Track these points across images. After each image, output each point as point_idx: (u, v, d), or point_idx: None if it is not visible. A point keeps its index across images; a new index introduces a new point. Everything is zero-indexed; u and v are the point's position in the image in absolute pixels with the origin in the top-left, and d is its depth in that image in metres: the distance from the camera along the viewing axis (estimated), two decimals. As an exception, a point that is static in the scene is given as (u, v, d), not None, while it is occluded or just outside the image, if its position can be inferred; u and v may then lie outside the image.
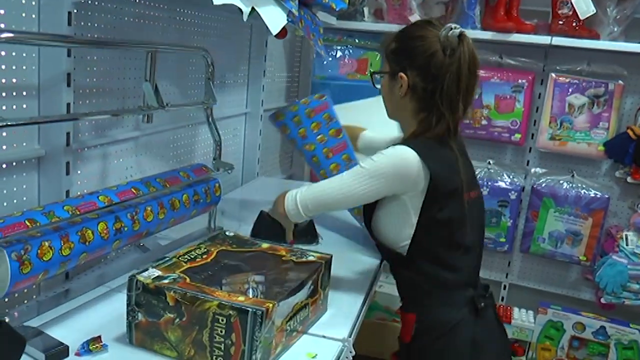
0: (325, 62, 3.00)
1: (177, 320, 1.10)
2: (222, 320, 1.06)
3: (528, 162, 3.01)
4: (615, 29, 2.64)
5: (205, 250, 1.31)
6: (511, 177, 2.96)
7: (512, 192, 2.93)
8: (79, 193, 1.52)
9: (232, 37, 2.38)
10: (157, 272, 1.16)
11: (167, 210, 1.43)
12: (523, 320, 2.95)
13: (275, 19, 1.39)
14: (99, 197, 1.26)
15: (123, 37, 1.65)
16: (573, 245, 2.88)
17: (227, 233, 1.44)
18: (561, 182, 2.89)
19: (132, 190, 1.35)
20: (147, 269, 1.17)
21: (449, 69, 1.36)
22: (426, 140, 1.40)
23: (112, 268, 1.53)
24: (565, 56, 2.81)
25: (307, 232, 1.73)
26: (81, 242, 1.17)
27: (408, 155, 1.36)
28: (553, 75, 2.81)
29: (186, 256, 1.26)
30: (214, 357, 1.09)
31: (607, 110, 2.76)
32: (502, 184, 2.93)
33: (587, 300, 3.04)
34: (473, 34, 2.60)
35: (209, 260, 1.27)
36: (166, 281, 1.13)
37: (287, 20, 1.42)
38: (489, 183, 2.93)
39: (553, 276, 3.12)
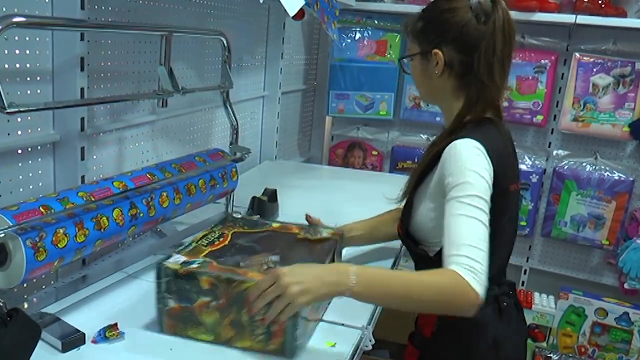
0: (344, 44, 2.98)
1: (213, 303, 1.10)
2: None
3: (550, 144, 2.96)
4: (643, 6, 2.57)
5: (220, 233, 1.31)
6: (532, 159, 2.93)
7: (534, 174, 2.90)
8: (95, 179, 1.51)
9: (249, 19, 2.36)
10: (182, 258, 1.15)
11: (183, 195, 1.42)
12: (544, 306, 2.92)
13: (292, 0, 1.36)
14: (114, 183, 1.25)
15: (138, 20, 1.63)
16: (595, 229, 2.84)
17: (234, 215, 1.47)
18: (584, 164, 2.86)
19: (148, 175, 1.34)
20: (170, 256, 1.16)
21: (485, 36, 1.28)
22: (479, 128, 1.28)
23: (129, 254, 1.52)
24: (590, 35, 2.75)
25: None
26: (96, 229, 1.16)
27: (477, 146, 1.20)
28: (577, 54, 2.75)
29: (204, 240, 1.26)
30: (255, 336, 1.10)
31: (633, 90, 2.69)
32: (523, 167, 2.88)
33: (609, 286, 3.00)
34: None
35: (226, 243, 1.27)
36: (195, 266, 1.12)
37: (304, 1, 1.39)
38: (510, 166, 2.86)
39: (575, 261, 3.08)
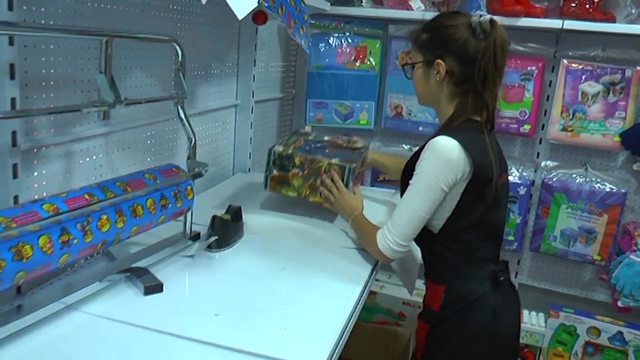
0: (322, 50, 2.89)
1: (300, 173, 1.88)
2: (330, 172, 1.85)
3: (538, 154, 2.89)
4: (633, 11, 2.49)
5: (296, 138, 2.08)
6: (520, 170, 2.85)
7: (521, 187, 2.82)
8: (36, 197, 1.40)
9: (219, 23, 2.25)
10: (281, 147, 1.91)
11: (127, 217, 1.28)
12: (533, 324, 2.82)
13: (241, 1, 1.23)
14: (43, 206, 1.11)
15: (88, 24, 1.50)
16: (587, 243, 2.74)
17: (300, 130, 2.29)
18: (574, 176, 2.76)
19: (85, 196, 1.20)
20: (274, 145, 1.93)
21: (483, 50, 1.49)
22: (464, 126, 1.54)
23: (76, 278, 1.40)
24: (578, 41, 2.67)
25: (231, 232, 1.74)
26: (16, 260, 1.02)
27: (449, 146, 1.47)
28: (565, 61, 2.66)
29: (289, 140, 2.04)
30: (321, 194, 1.86)
31: (623, 98, 2.60)
32: (510, 179, 2.76)
33: (602, 302, 2.90)
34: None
35: (301, 144, 2.01)
36: (291, 151, 1.90)
37: (257, 3, 1.26)
38: (497, 178, 2.75)
39: (565, 277, 2.98)
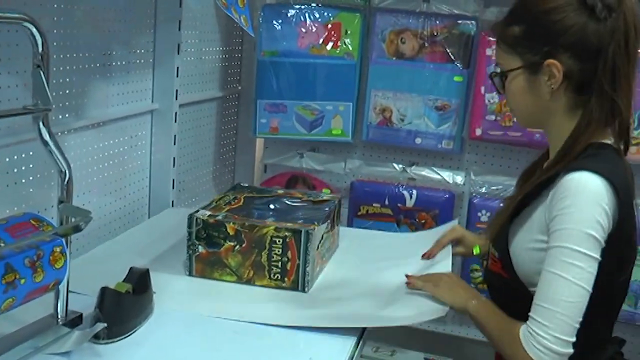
0: (277, 29, 2.87)
1: (237, 247, 1.79)
2: (279, 241, 1.77)
3: None
4: None
5: (233, 197, 2.03)
6: None
7: None
8: None
9: None
10: (208, 212, 1.85)
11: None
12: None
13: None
14: None
15: None
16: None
17: (242, 184, 2.25)
18: None
19: None
20: (198, 210, 1.85)
21: (612, 36, 1.43)
22: (601, 156, 1.48)
23: None
24: None
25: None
26: None
27: (601, 184, 1.40)
28: None
29: (221, 201, 1.97)
30: (272, 274, 1.79)
31: None
32: None
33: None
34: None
35: (241, 204, 1.97)
36: (221, 217, 1.82)
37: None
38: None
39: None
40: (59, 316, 1.49)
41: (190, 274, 1.84)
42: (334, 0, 2.87)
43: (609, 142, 1.51)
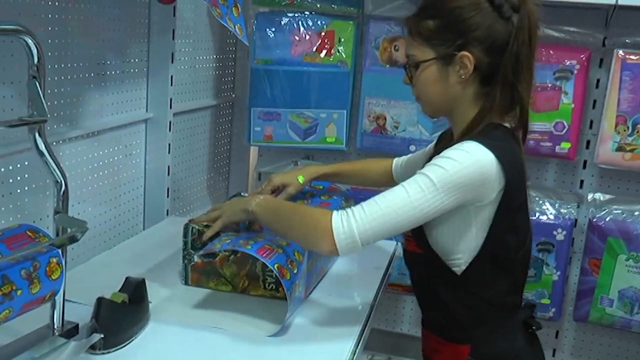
0: (271, 37, 2.88)
1: (232, 257, 1.80)
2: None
3: (582, 183, 2.85)
4: None
5: None
6: (557, 207, 2.80)
7: (559, 229, 2.77)
8: None
9: (116, 2, 2.22)
10: (204, 222, 1.83)
11: None
12: None
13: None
14: None
15: None
16: (658, 309, 2.74)
17: (242, 194, 2.21)
18: (636, 213, 2.71)
19: None
20: (192, 219, 1.87)
21: (518, 33, 1.54)
22: (496, 134, 1.58)
23: None
24: (638, 23, 2.65)
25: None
26: None
27: (486, 158, 1.50)
28: (619, 52, 2.62)
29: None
30: (267, 284, 1.81)
31: None
32: (542, 218, 2.78)
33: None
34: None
35: None
36: None
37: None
38: (524, 216, 2.72)
39: (626, 355, 2.94)
40: (56, 327, 1.49)
41: (186, 283, 1.85)
42: (327, 8, 2.86)
43: (507, 125, 1.62)
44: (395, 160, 2.15)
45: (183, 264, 1.85)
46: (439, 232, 1.61)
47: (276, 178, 2.08)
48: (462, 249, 1.59)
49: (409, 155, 2.13)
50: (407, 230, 1.57)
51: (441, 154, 1.53)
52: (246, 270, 1.79)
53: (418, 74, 1.64)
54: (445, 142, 1.72)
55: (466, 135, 1.58)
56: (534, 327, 1.66)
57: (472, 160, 1.50)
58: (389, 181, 2.10)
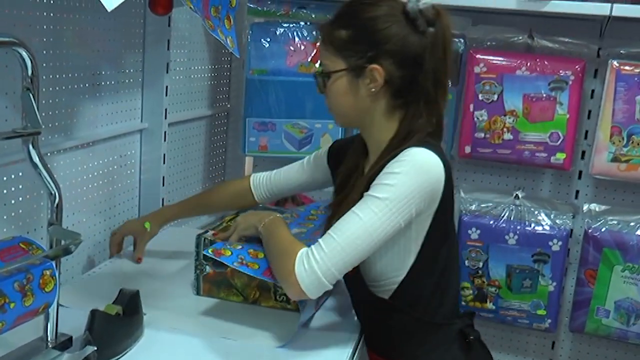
0: (266, 47, 2.86)
1: None
2: None
3: (577, 194, 2.84)
4: None
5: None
6: (552, 217, 2.78)
7: (555, 240, 2.74)
8: None
9: (112, 14, 2.15)
10: (219, 240, 1.82)
11: None
12: None
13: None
14: None
15: None
16: (655, 320, 2.76)
17: (260, 206, 2.17)
18: (632, 224, 2.69)
19: None
20: (207, 231, 1.88)
21: (433, 48, 1.56)
22: (428, 139, 1.59)
23: None
24: (632, 34, 2.64)
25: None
26: None
27: (430, 162, 1.52)
28: (614, 63, 2.60)
29: (231, 223, 1.90)
30: (278, 295, 1.82)
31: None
32: (538, 229, 2.76)
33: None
34: (483, 1, 2.56)
35: None
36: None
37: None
38: (518, 227, 2.75)
39: None
40: (49, 339, 1.49)
41: (197, 293, 1.87)
42: (322, 18, 2.78)
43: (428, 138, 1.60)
44: (253, 177, 2.13)
45: (195, 274, 1.87)
46: (376, 255, 1.59)
47: (124, 227, 2.15)
48: (400, 267, 1.59)
49: (274, 171, 2.10)
50: (372, 254, 1.54)
51: (384, 170, 1.52)
52: (257, 281, 1.79)
53: (329, 85, 1.63)
54: (356, 155, 1.74)
55: (393, 153, 1.56)
56: (471, 337, 1.66)
57: (416, 168, 1.51)
58: (250, 201, 2.10)
